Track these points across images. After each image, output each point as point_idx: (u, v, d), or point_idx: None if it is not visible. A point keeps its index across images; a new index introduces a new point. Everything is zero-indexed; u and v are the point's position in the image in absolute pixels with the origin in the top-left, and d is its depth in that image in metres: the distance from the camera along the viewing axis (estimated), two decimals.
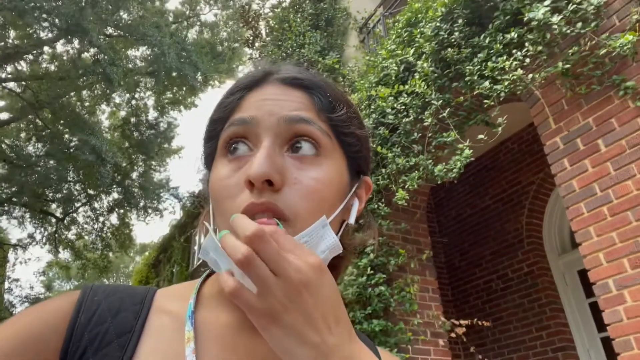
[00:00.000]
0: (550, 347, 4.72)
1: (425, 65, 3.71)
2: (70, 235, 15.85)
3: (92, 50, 12.54)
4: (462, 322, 4.00)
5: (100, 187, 13.99)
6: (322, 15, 6.88)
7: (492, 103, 3.21)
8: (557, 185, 3.09)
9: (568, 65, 2.89)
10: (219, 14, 16.86)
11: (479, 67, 3.34)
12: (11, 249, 16.22)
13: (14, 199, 13.25)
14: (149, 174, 16.03)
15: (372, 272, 3.86)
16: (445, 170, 3.43)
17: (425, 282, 4.12)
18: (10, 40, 12.96)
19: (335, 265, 0.58)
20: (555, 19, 2.83)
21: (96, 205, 15.34)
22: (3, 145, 12.85)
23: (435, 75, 3.68)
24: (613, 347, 2.61)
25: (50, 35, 12.88)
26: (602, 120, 2.82)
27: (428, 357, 3.79)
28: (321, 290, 0.40)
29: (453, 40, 3.57)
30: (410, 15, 4.16)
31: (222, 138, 0.54)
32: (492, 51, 3.28)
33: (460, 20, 3.55)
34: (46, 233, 15.28)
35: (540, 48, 2.99)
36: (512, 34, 3.14)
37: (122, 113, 16.34)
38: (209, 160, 0.58)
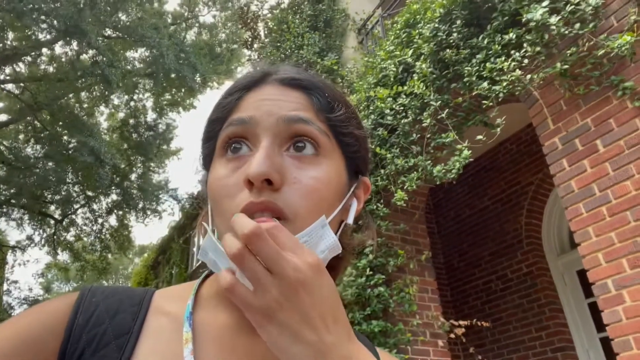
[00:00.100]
0: (550, 347, 4.72)
1: (423, 66, 3.71)
2: (69, 236, 15.86)
3: (91, 52, 12.54)
4: (461, 322, 4.00)
5: (99, 189, 13.98)
6: (321, 17, 6.89)
7: (491, 104, 3.22)
8: (556, 186, 3.09)
9: (566, 66, 2.89)
10: (217, 15, 16.89)
11: (477, 68, 3.34)
12: (10, 251, 16.21)
13: (13, 201, 13.24)
14: (148, 175, 16.03)
15: (371, 273, 3.86)
16: (444, 170, 3.43)
17: (425, 282, 4.12)
18: (8, 42, 12.96)
19: (334, 266, 0.58)
20: (554, 19, 2.83)
21: (95, 206, 15.35)
22: (1, 147, 12.84)
23: (434, 76, 3.68)
24: (612, 347, 2.61)
25: (48, 36, 12.88)
26: (600, 121, 2.82)
27: (427, 358, 3.79)
28: (319, 290, 0.40)
29: (451, 41, 3.57)
30: (408, 16, 4.17)
31: (220, 138, 0.54)
32: (490, 52, 3.29)
33: (458, 21, 3.55)
34: (45, 235, 15.28)
35: (538, 49, 3.00)
36: (511, 34, 3.14)
37: (121, 114, 16.36)
38: (208, 160, 0.58)
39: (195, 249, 11.78)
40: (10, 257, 16.31)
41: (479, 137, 3.23)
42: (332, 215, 0.51)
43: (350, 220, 0.56)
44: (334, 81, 5.63)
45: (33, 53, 13.41)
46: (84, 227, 15.56)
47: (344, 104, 0.57)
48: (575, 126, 2.96)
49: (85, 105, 15.35)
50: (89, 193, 14.85)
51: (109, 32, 13.66)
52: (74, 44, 12.66)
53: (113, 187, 14.50)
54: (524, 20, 3.02)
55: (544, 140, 3.16)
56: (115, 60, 12.42)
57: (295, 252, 0.39)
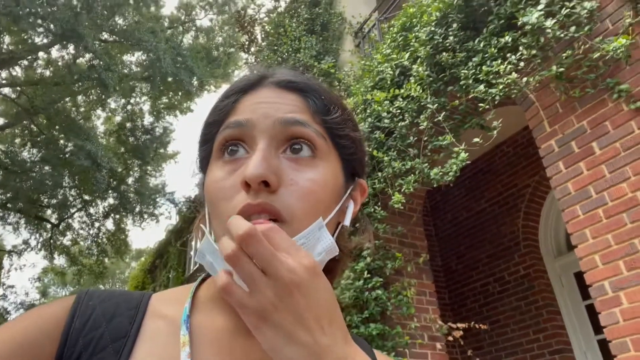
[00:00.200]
0: (547, 349, 4.72)
1: (420, 69, 3.72)
2: (66, 241, 15.79)
3: (88, 56, 12.54)
4: (459, 325, 4.00)
5: (95, 193, 13.94)
6: (318, 20, 6.90)
7: (487, 106, 3.23)
8: (552, 188, 3.10)
9: (562, 69, 2.90)
10: (214, 19, 16.91)
11: (473, 70, 3.35)
12: (6, 255, 16.12)
13: (9, 205, 13.19)
14: (145, 179, 16.00)
15: (368, 275, 3.86)
16: (441, 173, 3.44)
17: (422, 285, 4.12)
18: (5, 46, 12.94)
19: (332, 269, 0.58)
20: (549, 23, 2.85)
21: (92, 210, 15.29)
22: None
23: (431, 79, 3.69)
24: (610, 349, 2.61)
25: (45, 40, 12.86)
26: (596, 123, 2.84)
27: None
28: (314, 292, 0.39)
29: (448, 44, 3.59)
30: (405, 19, 4.18)
31: (217, 141, 0.54)
32: (486, 55, 3.30)
33: (454, 25, 3.57)
34: (41, 239, 15.21)
35: (534, 52, 3.01)
36: (507, 38, 3.16)
37: (118, 118, 16.33)
38: (205, 163, 0.58)
39: (192, 253, 11.75)
40: (6, 262, 16.23)
41: (476, 139, 3.24)
42: (329, 217, 0.51)
43: (347, 222, 0.56)
44: (331, 84, 5.64)
45: (30, 57, 13.39)
46: (81, 231, 15.51)
47: (340, 106, 0.57)
48: (571, 129, 2.97)
49: (82, 109, 15.33)
50: (86, 197, 14.80)
51: (105, 36, 13.66)
52: (71, 48, 12.66)
53: (110, 191, 14.46)
54: (519, 23, 3.03)
55: (541, 143, 3.17)
56: (112, 64, 12.41)
57: (290, 254, 0.39)
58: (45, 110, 12.53)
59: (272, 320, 0.38)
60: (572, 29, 2.82)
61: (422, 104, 3.69)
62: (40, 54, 13.74)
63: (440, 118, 3.52)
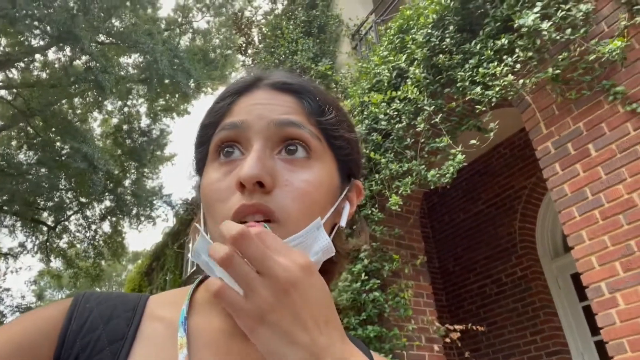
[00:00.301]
0: (545, 351, 4.73)
1: (417, 71, 3.73)
2: (62, 243, 15.73)
3: (84, 58, 12.51)
4: (456, 327, 4.00)
5: (92, 195, 13.89)
6: (315, 23, 6.91)
7: (484, 108, 3.24)
8: (549, 190, 3.11)
9: (558, 71, 2.92)
10: (211, 21, 16.91)
11: (470, 73, 3.36)
12: (2, 258, 16.03)
13: (5, 208, 13.13)
14: (142, 181, 15.96)
15: (366, 277, 3.85)
16: (438, 175, 3.44)
17: (420, 287, 4.12)
18: (1, 48, 12.90)
19: (329, 270, 0.58)
20: (545, 25, 2.86)
21: (88, 213, 15.24)
22: None
23: (427, 81, 3.70)
24: (607, 350, 2.62)
25: (41, 42, 12.84)
26: (592, 125, 2.85)
27: None
28: (310, 291, 0.39)
29: (444, 46, 3.60)
30: (401, 22, 4.19)
31: (213, 143, 0.54)
32: (483, 57, 3.31)
33: (451, 27, 3.58)
34: (37, 242, 15.15)
35: (530, 54, 3.02)
36: (503, 40, 3.17)
37: (114, 120, 16.30)
38: (201, 165, 0.58)
39: (189, 255, 11.72)
40: (2, 265, 16.14)
41: (473, 141, 3.25)
42: (326, 218, 0.52)
43: (342, 222, 0.56)
44: (328, 86, 5.64)
45: (26, 59, 13.36)
46: (77, 234, 15.45)
47: (335, 107, 0.57)
48: (567, 130, 2.98)
49: (78, 111, 15.30)
50: (82, 199, 14.76)
51: (102, 38, 13.64)
52: (67, 50, 12.64)
53: (106, 194, 14.42)
54: (515, 25, 3.04)
55: (537, 145, 3.18)
56: (109, 66, 12.39)
57: (283, 254, 0.39)
58: (42, 113, 12.50)
59: (269, 321, 0.38)
60: (568, 31, 2.83)
61: (419, 106, 3.70)
62: (37, 56, 13.71)
63: (437, 120, 3.52)
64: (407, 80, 3.86)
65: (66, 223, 15.34)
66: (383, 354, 3.60)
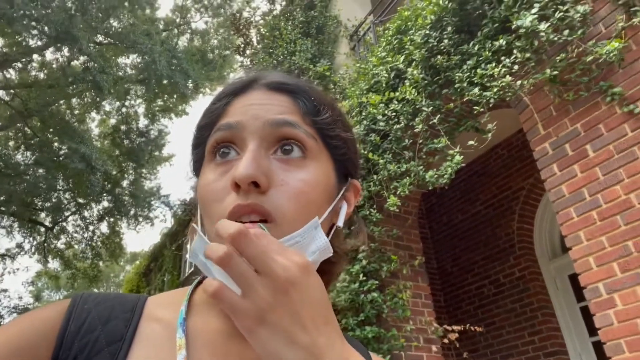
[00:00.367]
0: (543, 351, 4.74)
1: (415, 72, 3.73)
2: (60, 244, 15.69)
3: (82, 58, 12.49)
4: (454, 327, 4.00)
5: (90, 196, 13.87)
6: (313, 23, 6.91)
7: (482, 109, 3.24)
8: (546, 191, 3.11)
9: (556, 72, 2.92)
10: (209, 21, 16.91)
11: (468, 74, 3.37)
12: None
13: (2, 208, 13.10)
14: (140, 182, 15.94)
15: (364, 278, 3.85)
16: (436, 176, 3.45)
17: (418, 288, 4.13)
18: None
19: (327, 271, 0.58)
20: (543, 26, 2.87)
21: (86, 214, 15.21)
22: None
23: (426, 82, 3.70)
24: (604, 351, 2.62)
25: (39, 43, 12.82)
26: (590, 126, 2.86)
27: None
28: (309, 290, 0.38)
29: (442, 47, 3.60)
30: (400, 23, 4.20)
31: (209, 143, 0.54)
32: (481, 58, 3.32)
33: (449, 28, 3.59)
34: (35, 242, 15.11)
35: (528, 55, 3.03)
36: (501, 41, 3.17)
37: (112, 121, 16.27)
38: (198, 166, 0.58)
39: (187, 256, 11.70)
40: None
41: (471, 142, 3.25)
42: (323, 217, 0.51)
43: (340, 222, 0.56)
44: (326, 87, 5.64)
45: (24, 59, 13.33)
46: (75, 235, 15.41)
47: (330, 107, 0.57)
48: (565, 131, 2.99)
49: (76, 112, 15.27)
50: (80, 200, 14.73)
51: (100, 38, 13.63)
52: (65, 50, 12.61)
53: (104, 194, 14.40)
54: (513, 27, 3.05)
55: (535, 146, 3.19)
56: (107, 67, 12.37)
57: (281, 253, 0.38)
58: (40, 113, 12.47)
59: (268, 321, 0.37)
60: (566, 32, 2.84)
61: (417, 106, 3.70)
62: (35, 56, 13.69)
63: (435, 121, 3.53)
64: (405, 81, 3.86)
65: (64, 224, 15.31)
66: (381, 354, 3.60)
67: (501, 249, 5.38)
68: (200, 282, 0.60)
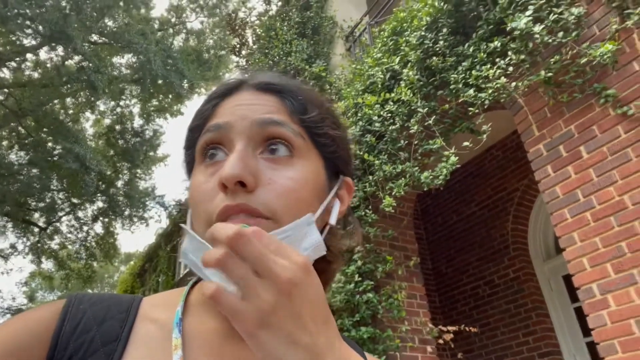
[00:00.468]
0: (537, 352, 4.76)
1: (410, 73, 3.74)
2: (54, 244, 15.59)
3: (77, 58, 12.44)
4: (449, 328, 4.01)
5: (84, 196, 13.80)
6: (309, 24, 6.91)
7: (477, 111, 3.26)
8: (541, 192, 3.13)
9: (550, 74, 2.94)
10: (205, 21, 16.87)
11: (463, 75, 3.38)
12: None
13: None
14: (134, 182, 15.87)
15: (359, 279, 3.86)
16: (431, 177, 3.46)
17: (413, 288, 4.13)
18: None
19: (324, 270, 0.58)
20: (537, 28, 2.88)
21: (80, 214, 15.13)
22: None
23: (421, 83, 3.71)
24: (598, 351, 2.64)
25: (33, 42, 12.74)
26: (583, 128, 2.87)
27: None
28: (309, 290, 0.38)
29: (438, 49, 3.61)
30: (395, 24, 4.21)
31: (199, 145, 0.55)
32: (476, 60, 3.33)
33: (444, 30, 3.60)
34: (29, 243, 15.02)
35: (523, 57, 3.05)
36: (496, 43, 3.19)
37: (107, 121, 16.20)
38: (190, 168, 0.58)
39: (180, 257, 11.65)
40: None
41: (466, 143, 3.26)
42: (317, 213, 0.51)
43: (332, 220, 0.55)
44: (322, 88, 5.65)
45: (18, 58, 13.25)
46: (69, 235, 15.33)
47: (319, 105, 0.57)
48: (559, 133, 3.00)
49: (70, 112, 15.19)
50: (74, 200, 14.65)
51: (95, 37, 13.56)
52: (60, 50, 12.56)
53: (99, 194, 14.32)
54: (508, 28, 3.06)
55: (529, 147, 3.20)
56: (102, 66, 12.31)
57: (280, 253, 0.38)
58: (33, 113, 12.40)
59: (269, 323, 0.36)
60: (560, 34, 2.86)
61: (412, 107, 3.71)
62: (29, 55, 13.60)
63: (430, 122, 3.54)
64: (401, 82, 3.87)
65: (58, 224, 15.22)
66: (376, 355, 3.60)
67: (496, 249, 5.40)
68: (196, 283, 0.60)
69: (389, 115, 3.90)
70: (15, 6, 10.21)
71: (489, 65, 3.21)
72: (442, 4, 3.63)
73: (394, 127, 3.82)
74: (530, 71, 3.07)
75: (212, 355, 0.51)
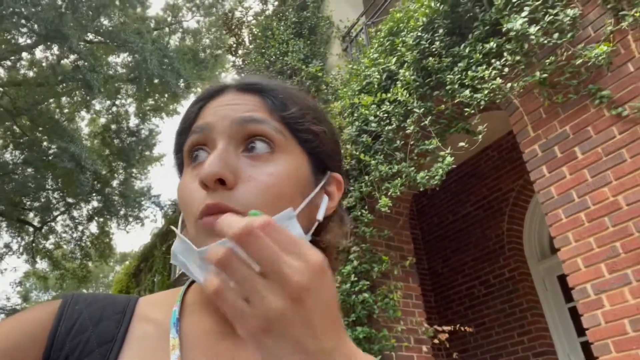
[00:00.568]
0: (532, 352, 4.78)
1: (407, 73, 3.75)
2: (49, 244, 15.53)
3: (72, 57, 12.39)
4: (445, 328, 4.02)
5: (79, 196, 13.74)
6: (305, 24, 6.91)
7: (473, 111, 3.27)
8: (536, 192, 3.14)
9: (545, 75, 2.95)
10: (201, 21, 16.84)
11: (459, 76, 3.39)
12: None
13: None
14: (130, 181, 15.83)
15: (355, 279, 3.86)
16: (427, 177, 3.46)
17: (409, 288, 4.14)
18: None
19: None
20: (533, 29, 2.90)
21: (75, 213, 15.07)
22: None
23: (417, 83, 3.72)
24: (592, 351, 2.65)
25: (29, 41, 12.67)
26: (578, 129, 2.89)
27: None
28: (321, 294, 0.35)
29: (434, 49, 3.62)
30: (392, 24, 4.21)
31: (185, 147, 0.56)
32: (472, 60, 3.34)
33: (441, 30, 3.61)
34: (23, 242, 14.94)
35: (518, 58, 3.06)
36: (491, 44, 3.20)
37: (103, 120, 16.15)
38: (181, 171, 0.59)
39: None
40: None
41: (461, 144, 3.27)
42: (300, 208, 0.51)
43: (319, 216, 0.55)
44: (318, 88, 5.65)
45: (13, 57, 13.18)
46: (64, 235, 15.28)
47: (299, 102, 0.58)
48: (554, 134, 3.02)
49: (65, 111, 15.13)
50: (69, 200, 14.59)
51: (91, 36, 13.51)
52: (55, 49, 12.50)
53: (94, 194, 14.28)
54: (504, 29, 3.07)
55: (524, 148, 3.22)
56: (97, 65, 12.28)
57: (293, 250, 0.34)
58: (29, 112, 12.35)
59: (276, 329, 0.33)
60: (555, 35, 2.87)
61: (408, 108, 3.72)
62: (24, 54, 13.53)
63: (426, 122, 3.55)
64: (397, 82, 3.88)
65: (52, 224, 15.16)
66: (372, 355, 3.61)
67: (491, 250, 5.41)
68: (192, 283, 0.61)
69: (385, 115, 3.90)
70: (10, 5, 10.16)
71: (484, 66, 3.22)
72: (438, 4, 3.64)
73: (390, 127, 3.82)
74: (525, 72, 3.08)
75: (209, 355, 0.51)
